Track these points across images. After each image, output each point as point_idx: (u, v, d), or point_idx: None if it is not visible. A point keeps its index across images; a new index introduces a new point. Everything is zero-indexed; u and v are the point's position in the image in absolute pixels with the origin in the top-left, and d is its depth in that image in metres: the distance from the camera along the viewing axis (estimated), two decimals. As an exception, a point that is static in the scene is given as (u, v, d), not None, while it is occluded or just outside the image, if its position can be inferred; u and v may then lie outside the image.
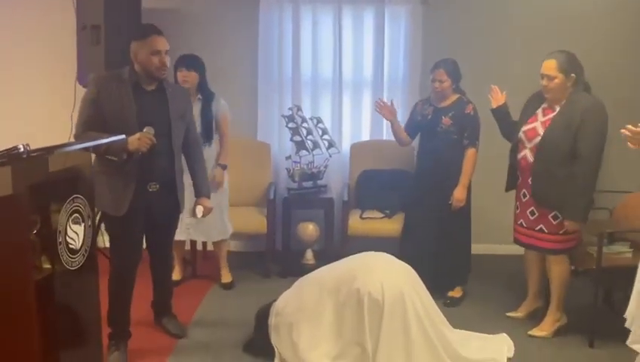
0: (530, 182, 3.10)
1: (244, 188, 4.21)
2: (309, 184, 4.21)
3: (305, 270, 3.67)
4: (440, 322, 2.88)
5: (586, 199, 2.99)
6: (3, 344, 1.82)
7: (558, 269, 3.15)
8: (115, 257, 2.87)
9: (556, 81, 2.99)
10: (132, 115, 2.69)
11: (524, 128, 3.15)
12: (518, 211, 3.26)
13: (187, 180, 3.07)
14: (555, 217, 3.07)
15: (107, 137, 2.44)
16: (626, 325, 2.42)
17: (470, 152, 3.52)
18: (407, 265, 2.94)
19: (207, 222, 3.59)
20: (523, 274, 3.51)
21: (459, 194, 3.51)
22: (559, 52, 3.02)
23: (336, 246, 4.12)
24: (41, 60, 4.38)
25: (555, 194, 3.02)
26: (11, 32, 4.40)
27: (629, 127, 2.34)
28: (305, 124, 4.20)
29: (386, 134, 4.47)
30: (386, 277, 2.78)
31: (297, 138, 4.16)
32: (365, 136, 4.49)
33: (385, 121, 4.42)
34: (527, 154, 3.13)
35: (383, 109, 3.79)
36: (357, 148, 4.42)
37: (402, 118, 4.15)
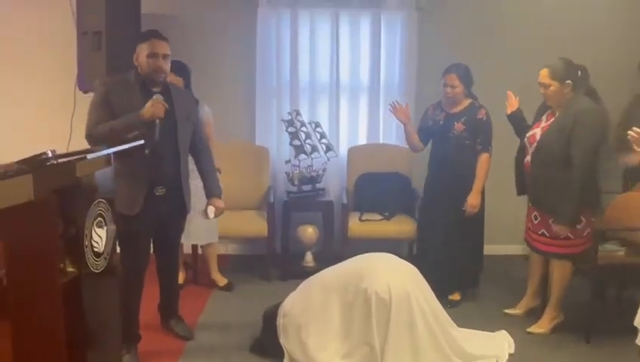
0: (529, 187, 3.20)
1: (244, 192, 4.26)
2: (308, 187, 4.27)
3: (305, 272, 3.75)
4: (445, 320, 2.96)
5: (574, 204, 3.01)
6: (31, 346, 1.84)
7: (561, 272, 3.23)
8: (124, 261, 2.89)
9: (552, 88, 3.07)
10: None
11: (529, 133, 3.24)
12: (527, 214, 3.35)
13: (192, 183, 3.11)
14: (553, 223, 3.13)
15: (119, 123, 2.52)
16: (635, 323, 2.43)
17: (484, 157, 3.51)
18: (411, 265, 3.02)
19: (197, 225, 3.61)
20: (521, 274, 3.62)
21: (473, 200, 3.50)
22: (556, 60, 3.10)
23: (336, 248, 4.19)
24: (41, 66, 4.38)
25: (551, 200, 3.08)
26: (10, 38, 4.39)
27: (635, 129, 2.42)
28: (304, 128, 4.27)
29: (383, 138, 4.56)
30: (392, 277, 2.86)
31: (296, 142, 4.22)
32: (362, 140, 4.57)
33: (381, 124, 4.53)
34: (529, 159, 3.21)
35: (397, 111, 3.75)
36: (354, 152, 4.50)
37: (398, 123, 4.25)
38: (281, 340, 2.94)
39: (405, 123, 3.76)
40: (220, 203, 3.12)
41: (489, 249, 4.45)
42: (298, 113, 4.31)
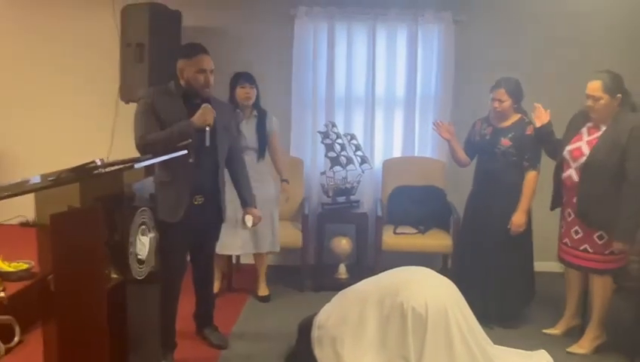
0: (576, 202, 3.11)
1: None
2: (342, 199, 4.27)
3: (338, 284, 3.74)
4: (481, 338, 2.90)
5: (632, 220, 2.97)
6: (76, 350, 1.88)
7: (602, 288, 3.16)
8: (162, 269, 2.93)
9: (602, 102, 3.00)
10: None
11: (569, 147, 3.17)
12: (563, 230, 3.27)
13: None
14: (600, 237, 3.07)
15: (174, 131, 2.63)
16: None
17: (531, 175, 3.41)
18: (449, 280, 2.97)
19: (260, 234, 3.72)
20: (559, 291, 3.53)
21: (518, 219, 3.40)
22: (604, 72, 3.04)
23: (369, 260, 4.17)
24: (85, 77, 4.51)
25: (601, 215, 3.01)
26: (55, 49, 4.54)
27: None
28: (339, 140, 4.28)
29: (418, 151, 4.53)
30: (430, 291, 2.82)
31: (332, 154, 4.23)
32: (397, 153, 4.55)
33: (417, 138, 4.51)
34: (572, 173, 3.14)
35: (440, 129, 3.73)
36: (389, 165, 4.49)
37: (435, 134, 4.23)
38: (316, 352, 2.93)
39: (449, 139, 3.73)
40: (257, 211, 3.17)
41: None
42: (334, 125, 4.32)
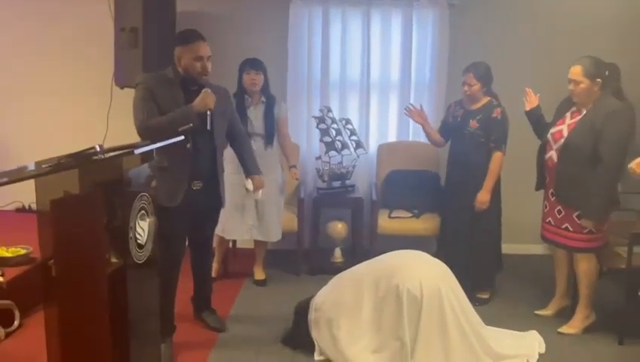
0: (554, 182, 3.21)
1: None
2: (337, 184, 4.30)
3: (333, 268, 3.80)
4: (475, 319, 2.97)
5: (602, 200, 3.06)
6: (78, 333, 1.92)
7: (586, 267, 3.23)
8: (161, 253, 2.96)
9: (582, 85, 3.08)
10: None
11: (552, 130, 3.26)
12: (546, 209, 3.36)
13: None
14: (579, 216, 3.17)
15: (176, 116, 2.67)
16: None
17: (496, 156, 3.56)
18: (443, 263, 3.03)
19: (267, 221, 3.79)
20: (550, 273, 3.60)
21: (482, 196, 3.56)
22: (585, 57, 3.11)
23: (365, 244, 4.21)
24: (78, 61, 4.49)
25: (576, 195, 3.12)
26: (49, 35, 4.51)
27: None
28: (334, 125, 4.29)
29: (413, 135, 4.56)
30: (424, 274, 2.87)
31: (327, 138, 4.25)
32: (392, 137, 4.58)
33: (411, 122, 4.53)
34: (552, 155, 3.23)
35: (412, 114, 3.92)
36: (384, 149, 4.52)
37: (430, 118, 4.24)
38: (313, 334, 2.99)
39: (422, 124, 3.90)
40: (259, 178, 3.19)
41: (518, 248, 4.47)
42: (329, 110, 4.34)
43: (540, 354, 3.03)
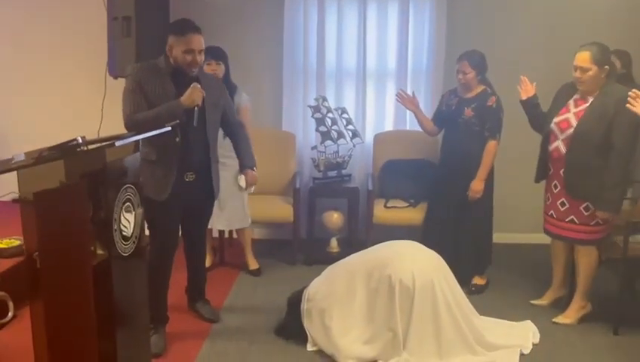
0: (563, 174, 3.13)
1: (270, 178, 4.28)
2: (333, 173, 4.28)
3: (329, 258, 3.78)
4: (468, 309, 2.96)
5: (619, 190, 3.01)
6: (63, 326, 1.91)
7: (587, 260, 3.19)
8: (153, 244, 2.96)
9: (590, 73, 3.00)
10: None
11: (557, 119, 3.17)
12: (548, 202, 3.29)
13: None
14: (586, 208, 3.10)
15: (162, 111, 2.60)
16: None
17: (490, 145, 3.53)
18: (436, 253, 3.01)
19: (229, 210, 3.73)
20: (546, 263, 3.58)
21: (476, 186, 3.55)
22: (593, 44, 3.03)
23: (361, 234, 4.20)
24: (72, 51, 4.47)
25: (588, 186, 3.04)
26: (41, 25, 4.48)
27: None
28: (330, 115, 4.26)
29: (410, 124, 4.52)
30: (417, 265, 2.86)
31: (323, 128, 4.22)
32: (389, 126, 4.54)
33: (407, 111, 4.48)
34: (559, 145, 3.15)
35: (403, 100, 3.90)
36: (380, 138, 4.48)
37: (426, 108, 4.22)
38: (305, 324, 2.99)
39: (414, 111, 3.88)
40: (252, 173, 3.16)
41: (513, 237, 4.44)
42: (324, 99, 4.30)
43: (534, 344, 3.02)
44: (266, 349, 2.98)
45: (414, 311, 2.76)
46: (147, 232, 2.97)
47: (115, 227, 1.98)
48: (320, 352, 2.92)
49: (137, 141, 2.15)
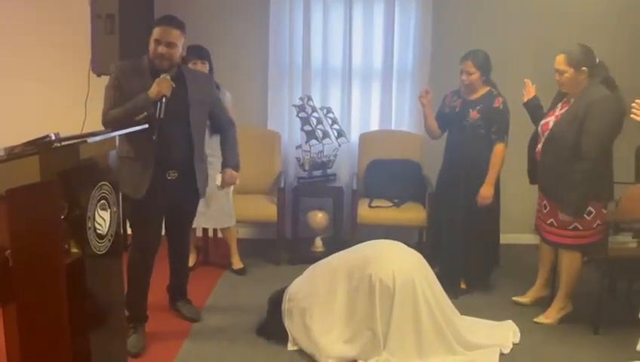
0: (539, 175, 3.16)
1: (254, 177, 4.27)
2: (318, 173, 4.27)
3: (314, 257, 3.75)
4: (449, 309, 2.96)
5: (580, 193, 2.98)
6: (36, 326, 1.89)
7: (569, 264, 3.19)
8: (134, 242, 2.94)
9: (566, 75, 3.01)
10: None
11: (542, 121, 3.19)
12: (538, 203, 3.31)
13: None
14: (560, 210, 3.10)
15: (129, 106, 2.59)
16: None
17: (498, 148, 3.43)
18: (418, 253, 3.01)
19: (215, 209, 3.72)
20: (531, 262, 3.59)
21: (485, 191, 3.44)
22: (574, 46, 3.03)
23: (345, 234, 4.19)
24: (55, 49, 4.42)
25: (558, 188, 3.05)
26: (25, 22, 4.44)
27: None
28: (315, 114, 4.25)
29: (395, 124, 4.53)
30: (398, 264, 2.85)
31: (308, 127, 4.21)
32: (374, 126, 4.54)
33: (394, 111, 4.50)
34: (539, 147, 3.17)
35: (423, 94, 3.69)
36: (366, 138, 4.48)
37: (412, 108, 4.22)
38: (286, 324, 2.98)
39: (424, 104, 3.68)
40: (231, 173, 3.10)
41: (502, 238, 4.43)
42: (309, 98, 4.29)
43: (514, 344, 3.03)
44: (247, 349, 2.96)
45: (394, 310, 2.75)
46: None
47: (90, 225, 1.95)
48: (300, 352, 2.91)
49: (115, 138, 2.12)
